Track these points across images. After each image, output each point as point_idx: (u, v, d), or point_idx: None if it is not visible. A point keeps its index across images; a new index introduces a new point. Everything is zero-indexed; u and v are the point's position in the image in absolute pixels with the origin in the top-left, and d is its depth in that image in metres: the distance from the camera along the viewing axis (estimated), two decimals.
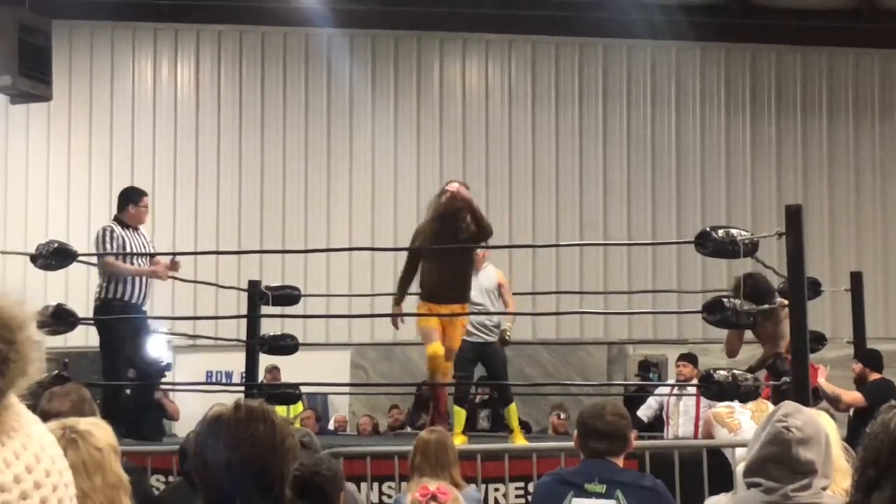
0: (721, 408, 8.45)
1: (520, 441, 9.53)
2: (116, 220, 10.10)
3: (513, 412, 10.02)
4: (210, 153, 18.75)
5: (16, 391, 1.56)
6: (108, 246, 9.94)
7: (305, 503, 4.53)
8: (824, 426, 3.50)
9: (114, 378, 9.96)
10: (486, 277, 10.31)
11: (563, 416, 15.18)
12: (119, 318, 9.83)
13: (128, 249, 10.00)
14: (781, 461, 3.33)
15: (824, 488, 3.38)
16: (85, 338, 14.88)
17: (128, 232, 10.04)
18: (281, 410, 13.11)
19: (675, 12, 17.03)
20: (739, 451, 8.02)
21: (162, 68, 19.06)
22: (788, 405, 3.45)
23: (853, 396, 10.54)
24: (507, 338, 10.47)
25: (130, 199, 10.29)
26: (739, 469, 7.84)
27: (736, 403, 8.44)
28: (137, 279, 10.03)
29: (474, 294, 9.96)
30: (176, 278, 11.11)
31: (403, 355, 17.03)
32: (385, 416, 16.28)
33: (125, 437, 8.24)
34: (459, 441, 8.58)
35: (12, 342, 1.52)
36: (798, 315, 7.93)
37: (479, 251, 10.15)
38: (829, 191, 17.88)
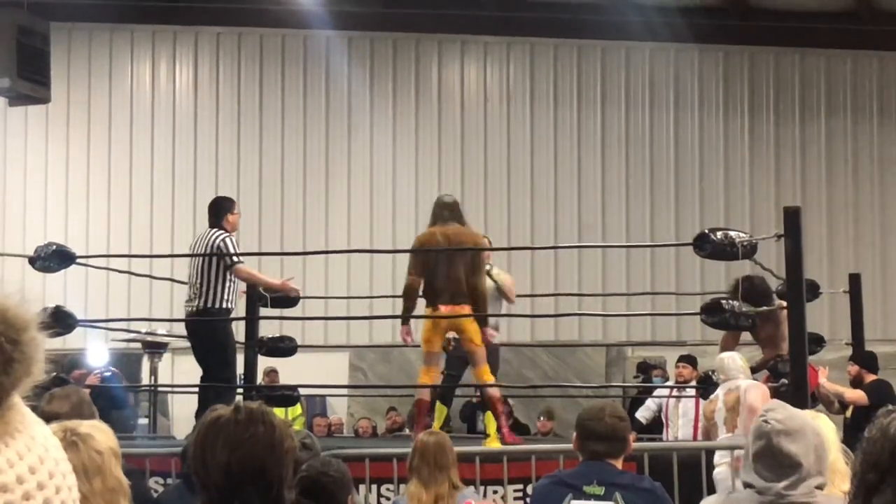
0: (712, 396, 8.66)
1: (496, 445, 9.47)
2: (219, 227, 9.98)
3: (490, 418, 9.95)
4: (208, 155, 18.75)
5: (20, 392, 1.56)
6: (237, 253, 9.87)
7: (310, 503, 4.53)
8: (812, 423, 3.50)
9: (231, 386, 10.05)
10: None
11: (543, 418, 15.22)
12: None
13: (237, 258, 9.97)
14: (766, 454, 3.36)
15: (819, 487, 3.39)
16: (83, 340, 14.91)
17: None
18: (279, 412, 13.14)
19: (673, 14, 17.03)
20: (717, 456, 8.14)
21: (160, 71, 19.06)
22: (773, 403, 3.51)
23: (856, 394, 10.61)
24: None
25: (227, 207, 10.21)
26: (716, 472, 8.00)
27: (721, 391, 8.58)
28: (235, 287, 9.96)
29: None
30: (174, 280, 11.13)
31: (402, 357, 17.02)
32: (383, 418, 16.28)
33: None
34: None
35: (17, 342, 1.53)
36: (796, 317, 7.94)
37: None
38: (828, 193, 17.89)
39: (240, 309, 11.49)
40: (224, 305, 9.85)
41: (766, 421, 3.38)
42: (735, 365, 8.75)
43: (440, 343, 9.37)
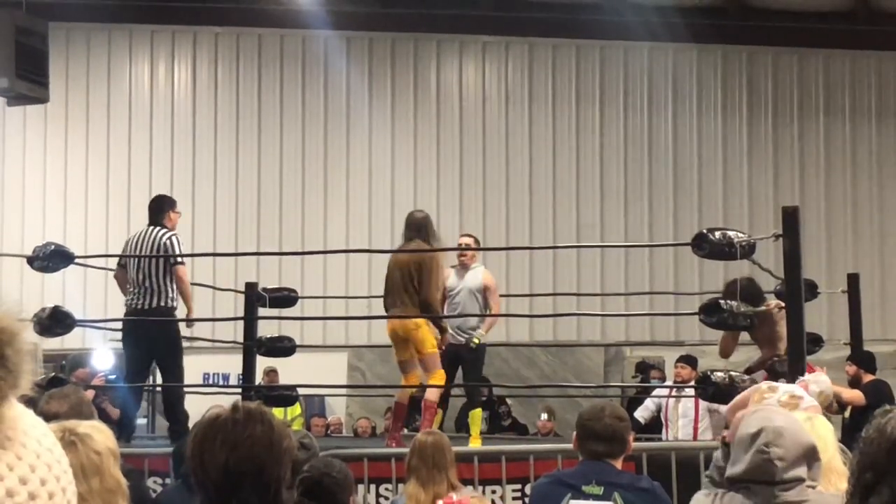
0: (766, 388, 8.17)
1: (476, 445, 9.54)
2: (162, 226, 10.01)
3: (475, 417, 9.98)
4: (207, 155, 18.74)
5: (8, 403, 1.54)
6: (182, 255, 9.94)
7: None
8: (808, 436, 3.48)
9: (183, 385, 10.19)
10: (473, 278, 10.29)
11: (545, 417, 15.19)
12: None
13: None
14: (767, 483, 3.35)
15: (810, 485, 3.39)
16: (81, 340, 14.91)
17: None
18: (278, 413, 13.15)
19: (671, 14, 17.03)
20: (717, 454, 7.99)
21: (159, 71, 19.06)
22: (769, 431, 3.40)
23: (853, 394, 10.61)
24: (472, 344, 10.20)
25: (170, 205, 10.25)
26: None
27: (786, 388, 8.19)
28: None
29: (460, 295, 10.02)
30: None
31: None
32: (382, 418, 16.27)
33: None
34: None
35: (3, 357, 1.50)
36: (795, 317, 7.93)
37: (465, 255, 10.28)
38: (826, 192, 17.89)
39: (238, 308, 11.49)
40: (171, 304, 9.91)
41: (770, 461, 3.34)
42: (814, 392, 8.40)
43: (405, 353, 9.62)
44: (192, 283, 12.19)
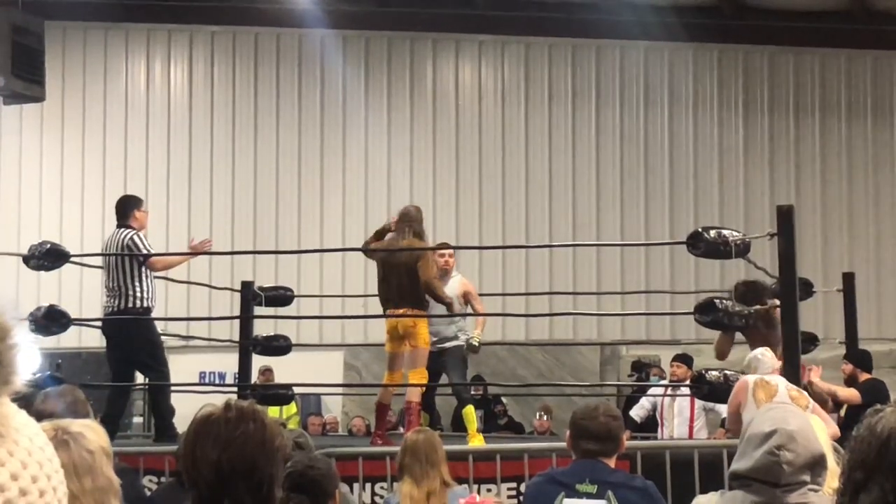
0: (768, 378, 7.99)
1: (477, 442, 9.57)
2: (127, 227, 9.91)
3: (468, 415, 10.00)
4: (203, 154, 18.75)
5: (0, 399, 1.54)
6: (148, 249, 9.83)
7: (301, 497, 4.55)
8: (819, 445, 3.48)
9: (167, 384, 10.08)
10: (450, 287, 10.28)
11: (544, 416, 15.19)
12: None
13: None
14: (773, 485, 3.36)
15: (813, 489, 3.40)
16: (78, 339, 14.92)
17: None
18: (273, 411, 13.14)
19: (667, 13, 17.04)
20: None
21: (155, 69, 19.05)
22: (783, 433, 3.39)
23: (849, 393, 10.62)
24: (473, 344, 10.32)
25: (134, 205, 10.16)
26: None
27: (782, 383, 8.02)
28: (152, 284, 9.92)
29: (434, 304, 10.03)
30: (169, 279, 11.16)
31: None
32: None
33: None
34: None
35: None
36: (789, 316, 7.94)
37: (447, 260, 10.29)
38: (822, 191, 17.90)
39: (235, 307, 11.50)
40: (144, 304, 9.78)
41: (779, 464, 3.34)
42: (768, 361, 8.23)
43: (398, 347, 9.73)
44: (188, 283, 12.23)
